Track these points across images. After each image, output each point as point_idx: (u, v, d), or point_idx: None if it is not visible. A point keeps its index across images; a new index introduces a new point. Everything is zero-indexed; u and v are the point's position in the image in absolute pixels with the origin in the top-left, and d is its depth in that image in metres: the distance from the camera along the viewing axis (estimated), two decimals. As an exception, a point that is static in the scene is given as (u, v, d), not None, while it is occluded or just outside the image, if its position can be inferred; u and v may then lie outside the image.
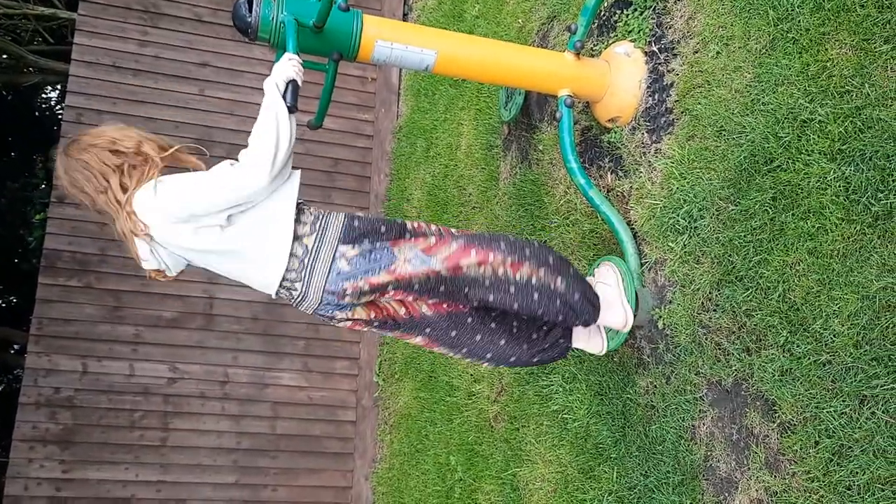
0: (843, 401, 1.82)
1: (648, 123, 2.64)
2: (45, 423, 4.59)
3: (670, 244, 2.43)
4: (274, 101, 2.05)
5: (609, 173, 2.84)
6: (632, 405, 2.57)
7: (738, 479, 2.12)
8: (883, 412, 1.73)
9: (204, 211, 2.03)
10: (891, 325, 1.74)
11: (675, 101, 2.52)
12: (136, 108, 5.02)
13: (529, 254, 2.22)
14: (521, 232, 3.47)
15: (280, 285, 2.14)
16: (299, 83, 2.13)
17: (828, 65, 1.96)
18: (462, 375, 3.95)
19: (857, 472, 1.77)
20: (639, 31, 2.73)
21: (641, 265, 2.57)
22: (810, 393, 1.90)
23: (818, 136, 1.96)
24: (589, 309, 2.32)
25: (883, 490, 1.71)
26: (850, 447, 1.79)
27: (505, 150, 3.82)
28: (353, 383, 5.24)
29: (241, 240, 2.09)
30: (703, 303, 2.28)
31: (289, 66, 2.12)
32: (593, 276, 2.59)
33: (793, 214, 2.00)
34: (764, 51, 2.18)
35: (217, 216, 2.05)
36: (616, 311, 2.42)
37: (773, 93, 2.11)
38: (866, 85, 1.86)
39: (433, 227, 2.24)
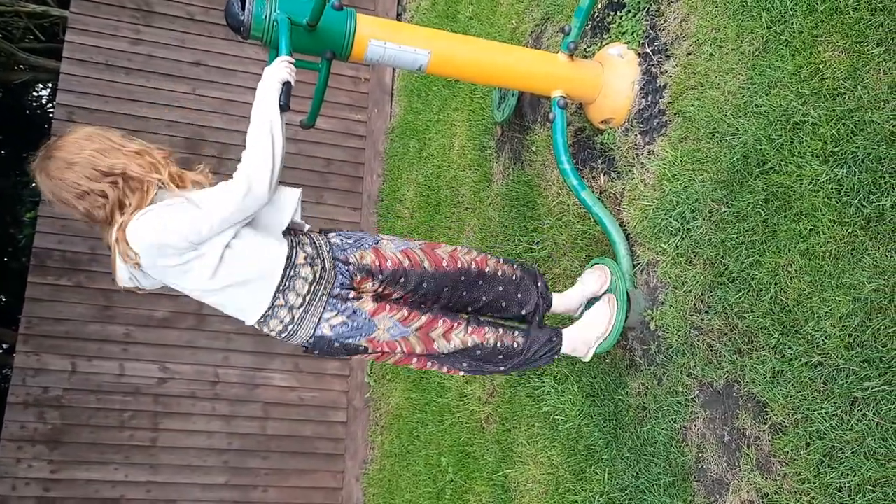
0: (835, 402, 1.82)
1: (641, 125, 2.64)
2: (34, 423, 4.57)
3: (663, 246, 2.43)
4: (267, 108, 2.04)
5: (602, 175, 2.84)
6: (623, 407, 2.57)
7: (730, 481, 2.12)
8: (874, 414, 1.73)
9: (205, 237, 1.99)
10: (882, 328, 1.74)
11: (669, 103, 2.52)
12: (128, 107, 5.00)
13: (488, 320, 2.42)
14: (514, 233, 3.47)
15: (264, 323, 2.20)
16: (293, 85, 2.12)
17: (820, 67, 1.97)
18: (454, 377, 3.94)
19: (847, 474, 1.77)
20: (632, 33, 2.73)
21: (634, 266, 2.57)
22: (802, 395, 1.90)
23: (811, 139, 1.96)
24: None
25: (874, 492, 1.71)
26: (841, 449, 1.79)
27: (498, 152, 3.82)
28: (345, 384, 5.23)
29: (230, 278, 2.09)
30: (695, 304, 2.29)
31: (282, 69, 2.11)
32: (581, 281, 2.61)
33: (785, 216, 2.00)
34: (757, 53, 2.18)
35: (215, 241, 2.02)
36: (580, 346, 2.49)
37: (766, 95, 2.11)
38: (859, 87, 1.86)
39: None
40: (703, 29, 2.40)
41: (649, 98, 2.61)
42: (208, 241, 2.01)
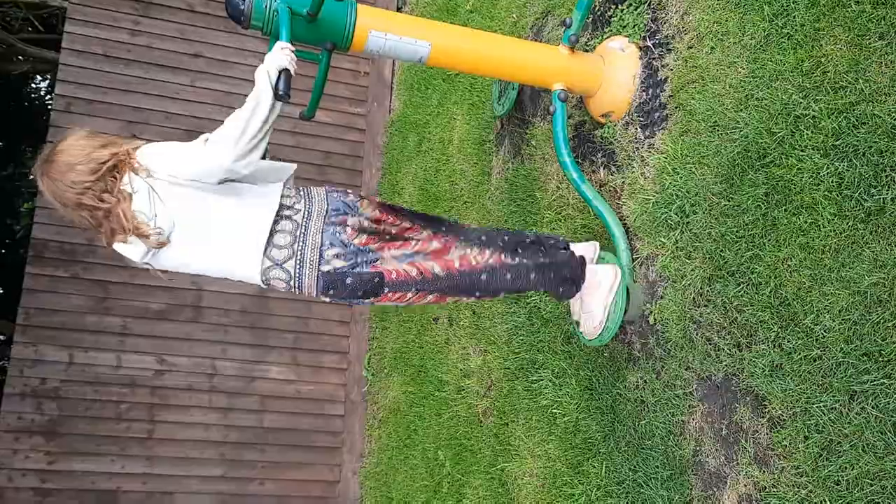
0: (833, 396, 1.82)
1: (642, 119, 2.63)
2: (31, 414, 4.56)
3: (662, 239, 2.43)
4: (260, 89, 2.05)
5: (602, 168, 2.83)
6: (621, 400, 2.57)
7: (727, 474, 2.12)
8: (872, 407, 1.73)
9: (175, 176, 2.07)
10: (882, 321, 1.74)
11: (669, 97, 2.51)
12: (127, 98, 4.99)
13: (508, 240, 2.39)
14: (514, 227, 3.46)
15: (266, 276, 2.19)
16: (292, 72, 2.11)
17: (822, 60, 1.96)
18: (452, 370, 3.94)
19: (845, 468, 1.77)
20: (633, 26, 2.72)
21: (633, 260, 2.57)
22: (800, 388, 1.90)
23: (812, 132, 1.95)
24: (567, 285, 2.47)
25: (871, 485, 1.71)
26: (840, 442, 1.79)
27: (497, 145, 3.81)
28: (342, 377, 5.23)
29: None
30: (694, 298, 2.28)
31: (281, 56, 2.11)
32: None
33: (785, 210, 2.00)
34: (759, 46, 2.18)
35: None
36: (590, 320, 2.50)
37: (768, 88, 2.11)
38: (860, 81, 1.86)
39: (413, 275, 2.25)
40: (704, 22, 2.39)
41: (650, 92, 2.61)
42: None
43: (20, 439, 4.52)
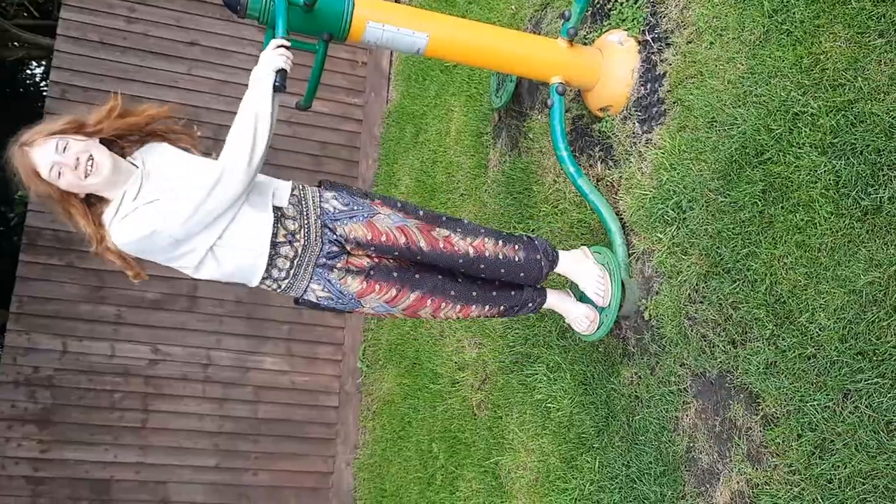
0: (827, 394, 1.82)
1: (640, 113, 2.62)
2: (24, 402, 4.55)
3: (659, 235, 2.42)
4: (257, 97, 2.03)
5: (599, 162, 2.82)
6: (616, 395, 2.57)
7: (720, 471, 2.12)
8: (866, 406, 1.73)
9: (188, 234, 2.04)
10: (877, 320, 1.73)
11: (668, 92, 2.50)
12: (123, 86, 4.94)
13: (477, 295, 2.40)
14: (510, 220, 3.46)
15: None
16: (288, 71, 2.10)
17: (821, 58, 1.95)
18: (446, 363, 3.94)
19: (838, 466, 1.77)
20: (633, 20, 2.71)
21: (629, 255, 2.56)
22: (794, 386, 1.90)
23: (810, 129, 1.95)
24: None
25: (864, 484, 1.71)
26: (833, 441, 1.79)
27: (495, 138, 3.80)
28: (337, 369, 5.22)
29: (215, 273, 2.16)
30: (689, 294, 2.28)
31: (276, 56, 2.09)
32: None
33: (782, 207, 1.99)
34: (758, 42, 2.17)
35: (203, 237, 2.06)
36: (581, 317, 2.53)
37: (766, 85, 2.10)
38: (859, 78, 1.85)
39: (400, 243, 2.27)
40: (703, 17, 2.38)
41: (648, 86, 2.60)
42: (195, 237, 2.05)
43: (13, 427, 4.51)
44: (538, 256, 2.43)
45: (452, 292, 2.36)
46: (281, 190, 2.20)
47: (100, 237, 2.05)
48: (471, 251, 2.33)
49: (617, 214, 2.63)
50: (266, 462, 4.95)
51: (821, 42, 1.97)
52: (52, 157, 1.99)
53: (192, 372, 4.88)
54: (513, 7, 3.78)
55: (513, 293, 2.47)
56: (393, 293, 2.26)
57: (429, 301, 2.32)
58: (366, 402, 5.06)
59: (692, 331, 2.25)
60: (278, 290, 2.23)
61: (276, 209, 2.16)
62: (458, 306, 2.37)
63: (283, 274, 2.17)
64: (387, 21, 2.45)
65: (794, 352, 1.91)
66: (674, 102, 2.46)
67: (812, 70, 1.98)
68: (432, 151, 4.53)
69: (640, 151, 2.59)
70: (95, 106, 2.15)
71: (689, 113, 2.38)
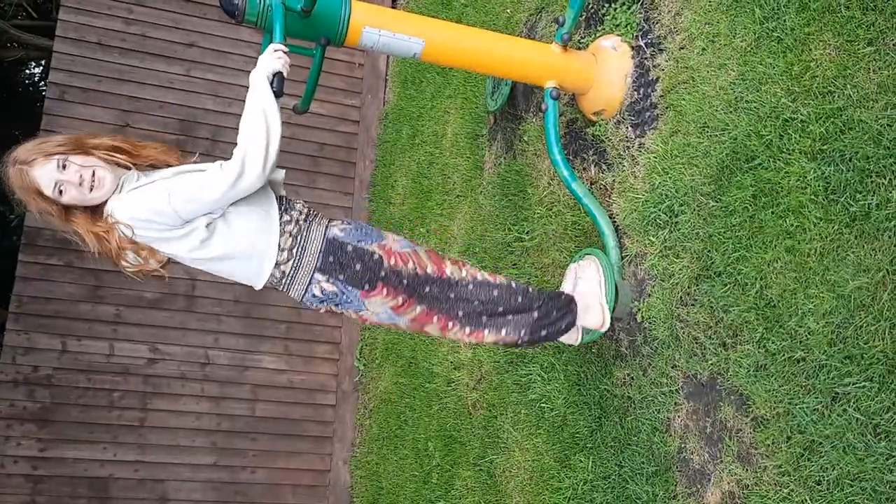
0: (816, 397, 1.85)
1: (633, 117, 2.65)
2: (23, 401, 4.57)
3: (651, 238, 2.45)
4: (261, 95, 2.04)
5: (593, 166, 2.85)
6: (609, 396, 2.60)
7: (711, 472, 2.15)
8: (854, 410, 1.76)
9: (194, 214, 2.03)
10: (864, 325, 1.76)
11: (660, 97, 2.53)
12: (121, 87, 4.98)
13: (486, 321, 2.32)
14: (505, 223, 3.48)
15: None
16: (285, 75, 2.12)
17: (811, 65, 1.98)
18: (442, 363, 3.97)
19: (826, 468, 1.80)
20: (626, 25, 2.73)
21: (622, 258, 2.59)
22: (784, 389, 1.93)
23: (799, 136, 1.98)
24: (561, 329, 2.43)
25: (851, 486, 1.74)
26: (821, 443, 1.82)
27: (490, 140, 3.83)
28: (334, 367, 5.25)
29: (226, 247, 2.12)
30: (681, 297, 2.31)
31: (274, 59, 2.11)
32: (575, 264, 2.62)
33: (772, 212, 2.02)
34: (749, 49, 2.19)
35: (204, 219, 2.05)
36: (594, 313, 2.46)
37: (757, 91, 2.13)
38: (849, 86, 1.88)
39: (409, 266, 2.24)
40: (696, 23, 2.41)
41: (641, 91, 2.63)
42: (196, 219, 2.05)
43: (12, 426, 4.54)
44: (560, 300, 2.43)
45: (460, 313, 2.30)
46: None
47: (104, 231, 2.03)
48: (479, 276, 2.32)
49: (610, 217, 2.66)
50: (264, 460, 4.98)
51: (811, 49, 1.99)
52: (54, 174, 2.01)
53: (190, 371, 4.90)
54: (508, 11, 3.80)
55: (538, 306, 2.39)
56: (399, 301, 2.21)
57: (435, 318, 2.27)
58: (363, 401, 5.09)
59: (684, 333, 2.28)
60: (283, 280, 2.18)
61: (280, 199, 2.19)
62: (468, 329, 2.32)
63: (286, 255, 2.14)
64: (383, 26, 2.47)
65: (784, 355, 1.94)
66: (666, 107, 2.49)
67: (802, 77, 2.00)
68: (428, 153, 4.55)
69: (633, 155, 2.62)
70: (99, 132, 2.19)
71: (681, 118, 2.40)
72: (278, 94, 2.08)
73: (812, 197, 1.92)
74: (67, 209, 2.06)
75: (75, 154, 2.04)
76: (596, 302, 2.45)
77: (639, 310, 2.48)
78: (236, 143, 2.02)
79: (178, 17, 5.15)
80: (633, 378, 2.50)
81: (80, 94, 4.88)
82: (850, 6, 1.90)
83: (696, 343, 2.24)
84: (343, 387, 5.22)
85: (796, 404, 1.89)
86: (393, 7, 5.57)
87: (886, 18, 1.82)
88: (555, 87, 2.64)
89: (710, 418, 2.18)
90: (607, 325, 2.45)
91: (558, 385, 2.89)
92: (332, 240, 2.17)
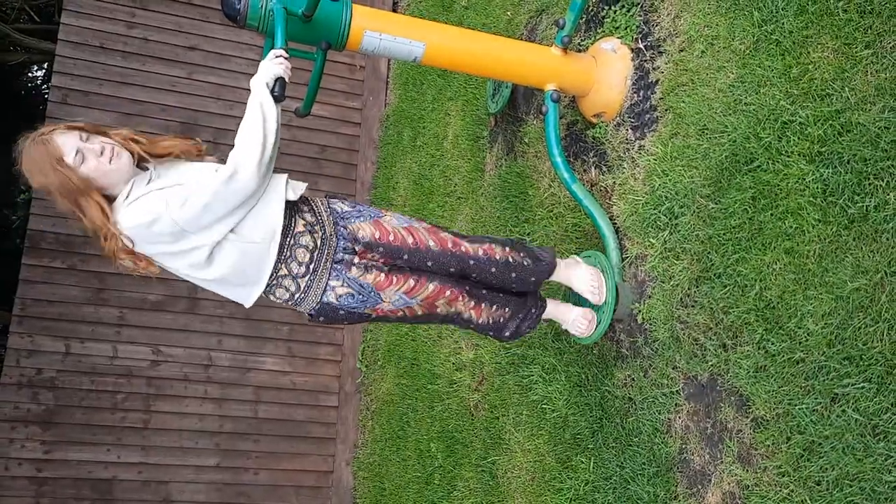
0: (815, 398, 1.86)
1: (633, 120, 2.66)
2: (27, 404, 4.59)
3: (651, 240, 2.47)
4: (260, 100, 2.05)
5: (593, 168, 2.86)
6: (610, 397, 2.61)
7: (712, 472, 2.16)
8: (853, 410, 1.77)
9: (190, 220, 2.02)
10: (863, 326, 1.78)
11: (660, 99, 2.54)
12: (123, 91, 4.99)
13: (486, 293, 2.42)
14: (506, 224, 3.50)
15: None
16: (287, 80, 2.13)
17: (809, 67, 1.99)
18: (444, 364, 3.98)
19: (826, 468, 1.81)
20: (626, 28, 2.75)
21: (622, 260, 2.60)
22: (783, 390, 1.94)
23: (798, 138, 1.99)
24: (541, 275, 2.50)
25: (851, 486, 1.75)
26: (821, 444, 1.83)
27: (491, 142, 3.84)
28: (336, 369, 5.27)
29: (224, 269, 2.14)
30: (681, 298, 2.32)
31: (276, 64, 2.12)
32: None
33: (771, 214, 2.03)
34: (748, 51, 2.21)
35: (207, 233, 2.06)
36: (579, 319, 2.56)
37: (756, 93, 2.14)
38: (846, 89, 1.89)
39: (408, 242, 2.29)
40: (695, 26, 2.42)
41: (641, 93, 2.64)
42: (198, 233, 2.05)
43: (16, 429, 4.56)
44: (544, 259, 2.47)
45: (467, 287, 2.37)
46: (293, 184, 2.21)
47: (109, 232, 2.05)
48: (480, 253, 2.37)
49: (610, 219, 2.67)
50: (267, 461, 5.00)
51: (809, 52, 2.01)
52: (76, 142, 2.05)
53: (193, 373, 4.92)
54: (508, 13, 3.82)
55: (518, 298, 2.49)
56: (411, 283, 2.26)
57: (448, 291, 2.32)
58: (365, 402, 5.10)
59: (684, 334, 2.30)
60: (296, 296, 2.19)
61: (290, 203, 2.18)
62: (472, 303, 2.37)
63: (303, 269, 2.15)
64: (384, 30, 2.48)
65: (783, 356, 1.95)
66: (666, 110, 2.50)
67: (800, 80, 2.02)
68: (430, 155, 4.57)
69: (633, 157, 2.64)
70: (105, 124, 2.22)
71: (680, 120, 2.42)
72: (280, 98, 2.09)
73: (811, 199, 1.93)
74: (84, 186, 2.05)
75: (95, 134, 2.10)
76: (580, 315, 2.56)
77: (639, 311, 2.50)
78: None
79: (179, 21, 5.17)
80: (633, 379, 2.51)
81: (82, 97, 4.90)
82: (847, 9, 1.91)
83: (697, 344, 2.25)
84: (345, 388, 5.23)
85: (796, 405, 1.90)
86: (394, 11, 5.59)
87: (883, 21, 1.83)
88: (555, 90, 2.66)
89: (710, 419, 2.19)
90: (591, 332, 2.56)
91: (560, 386, 2.90)
92: (326, 304, 2.22)
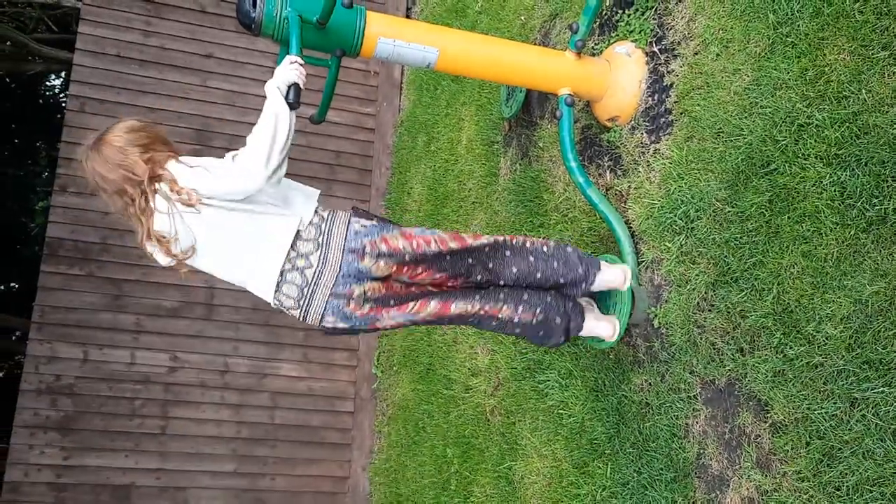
0: (835, 403, 1.84)
1: (648, 123, 2.66)
2: (46, 410, 4.63)
3: (667, 244, 2.45)
4: (274, 102, 2.07)
5: (608, 172, 2.86)
6: (626, 402, 2.60)
7: (730, 478, 2.15)
8: (873, 415, 1.75)
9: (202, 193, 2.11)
10: (882, 330, 1.76)
11: (675, 102, 2.53)
12: (140, 99, 5.04)
13: (505, 296, 2.36)
14: (521, 229, 3.49)
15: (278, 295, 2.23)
16: (301, 86, 2.14)
17: (826, 70, 1.98)
18: (460, 369, 3.98)
19: (846, 474, 1.79)
20: (640, 32, 2.74)
21: (638, 264, 2.59)
22: (802, 394, 1.93)
23: (815, 141, 1.97)
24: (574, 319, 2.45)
25: (871, 491, 1.74)
26: (840, 449, 1.82)
27: (505, 147, 3.84)
28: (352, 374, 5.28)
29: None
30: (698, 303, 2.31)
31: (291, 71, 2.14)
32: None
33: (788, 217, 2.02)
34: (763, 54, 2.20)
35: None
36: (603, 323, 2.51)
37: (772, 96, 2.13)
38: (863, 91, 1.88)
39: (431, 246, 2.28)
40: (710, 29, 2.41)
41: (656, 97, 2.63)
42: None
43: (36, 435, 4.60)
44: (569, 252, 2.41)
45: (477, 296, 2.33)
46: (309, 203, 2.23)
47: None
48: (500, 238, 2.35)
49: (626, 223, 2.66)
50: (283, 467, 5.01)
51: (825, 54, 1.99)
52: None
53: (210, 379, 4.95)
54: (522, 18, 3.82)
55: (548, 299, 2.39)
56: (411, 306, 2.27)
57: (452, 305, 2.29)
58: (381, 408, 5.10)
59: (701, 339, 2.28)
60: (300, 302, 2.21)
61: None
62: (488, 305, 2.32)
63: (293, 303, 2.20)
64: (397, 37, 2.49)
65: (802, 360, 1.94)
66: (681, 113, 2.49)
67: (817, 82, 2.00)
68: (444, 160, 4.57)
69: (648, 161, 2.63)
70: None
71: (696, 123, 2.41)
72: (294, 105, 2.11)
73: (828, 202, 1.92)
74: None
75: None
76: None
77: (656, 315, 2.48)
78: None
79: (195, 29, 5.21)
80: (650, 384, 2.50)
81: (99, 105, 4.95)
82: (863, 11, 1.90)
83: (714, 349, 2.24)
84: (361, 394, 5.24)
85: (815, 410, 1.89)
86: (407, 17, 5.61)
87: (901, 23, 1.82)
88: (569, 94, 2.65)
89: (728, 424, 2.17)
90: (617, 335, 2.51)
91: (576, 391, 2.89)
92: (326, 324, 2.25)
